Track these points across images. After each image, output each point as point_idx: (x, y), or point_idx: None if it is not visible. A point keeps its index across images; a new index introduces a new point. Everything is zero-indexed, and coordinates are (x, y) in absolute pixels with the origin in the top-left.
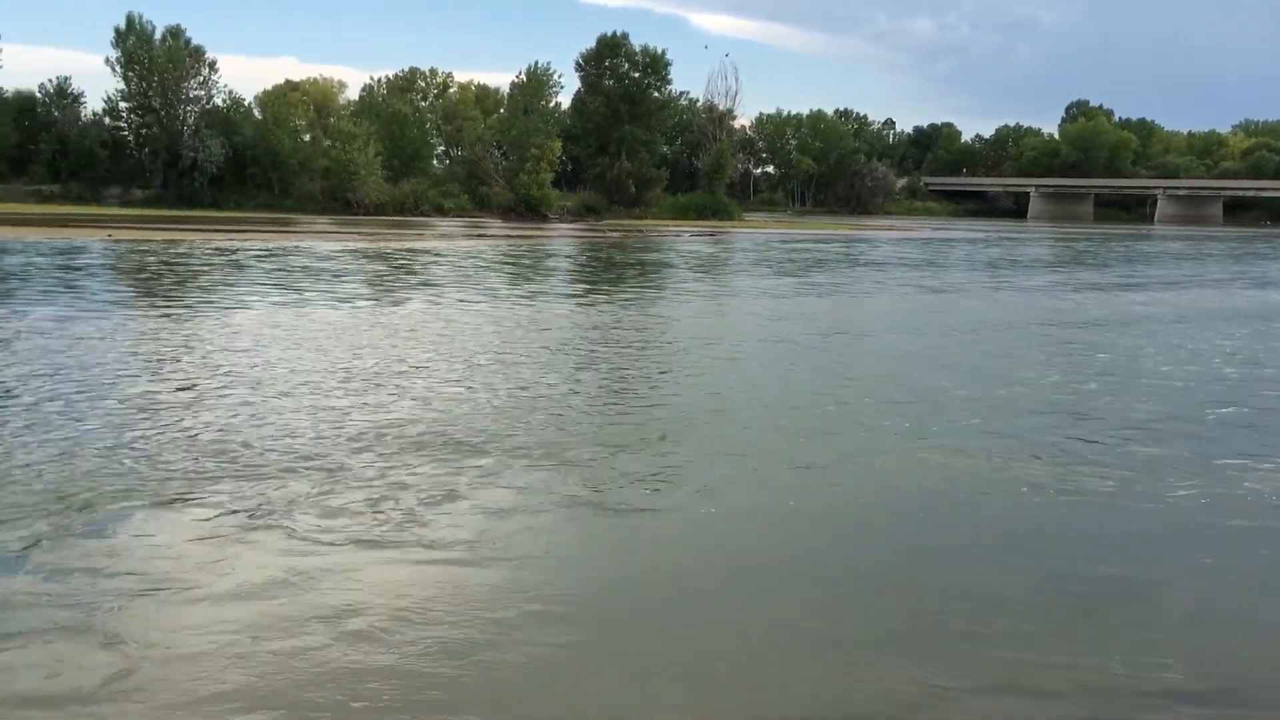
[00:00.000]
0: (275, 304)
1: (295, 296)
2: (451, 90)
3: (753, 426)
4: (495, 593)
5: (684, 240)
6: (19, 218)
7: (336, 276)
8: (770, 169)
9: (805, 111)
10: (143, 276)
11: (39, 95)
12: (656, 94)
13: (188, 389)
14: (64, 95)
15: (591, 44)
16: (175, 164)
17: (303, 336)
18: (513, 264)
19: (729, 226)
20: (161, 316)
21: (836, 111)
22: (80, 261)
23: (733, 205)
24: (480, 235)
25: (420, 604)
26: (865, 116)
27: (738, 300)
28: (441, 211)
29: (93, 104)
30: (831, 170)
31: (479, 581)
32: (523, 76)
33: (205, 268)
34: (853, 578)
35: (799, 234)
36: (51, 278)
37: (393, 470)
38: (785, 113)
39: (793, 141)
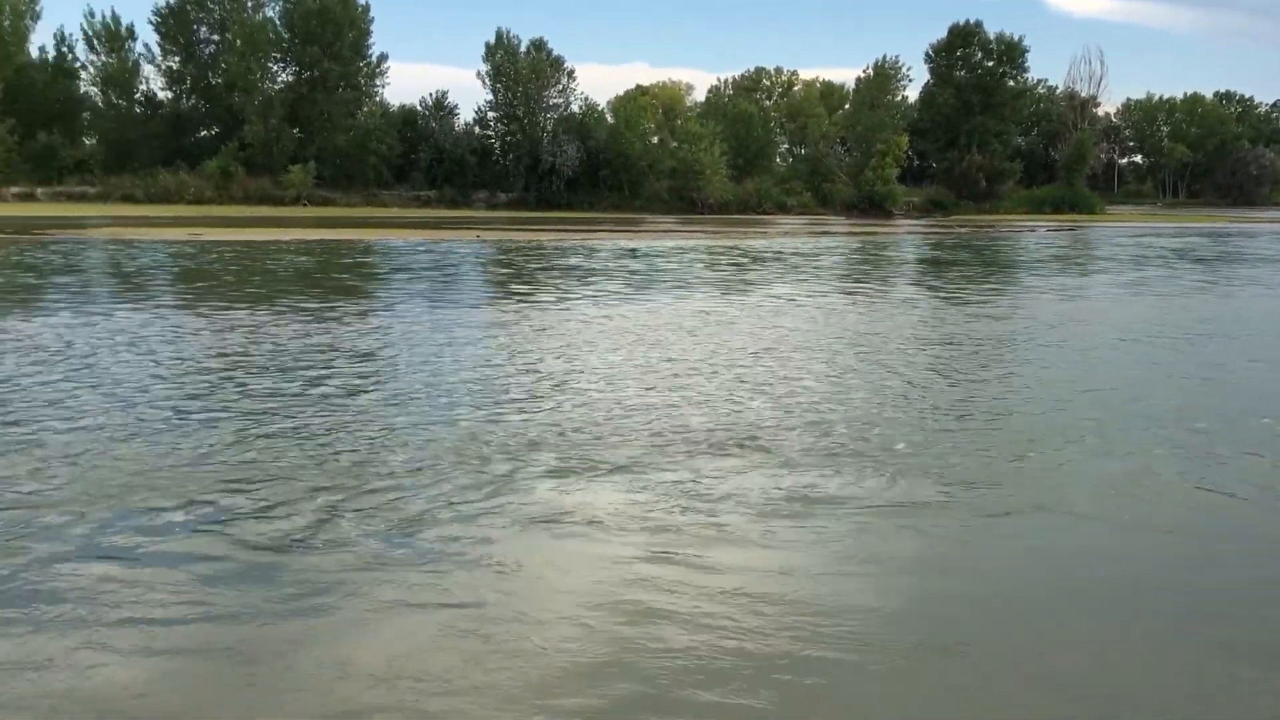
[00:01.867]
0: (629, 299)
1: (647, 292)
2: (796, 88)
3: (1118, 437)
4: (835, 596)
5: (1037, 236)
6: (402, 221)
7: (684, 272)
8: (1138, 159)
9: (1179, 95)
10: (507, 273)
11: (420, 109)
12: (1012, 83)
13: (539, 375)
14: (441, 108)
15: (942, 34)
16: (535, 168)
17: (653, 328)
18: (854, 261)
19: (1088, 220)
20: (519, 310)
21: (1216, 94)
22: (454, 260)
23: (1093, 198)
24: (824, 232)
25: (755, 603)
26: (1251, 99)
27: (1091, 299)
28: (784, 209)
29: (465, 115)
30: (1209, 158)
31: (817, 585)
32: (869, 71)
33: (561, 264)
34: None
35: (1168, 226)
36: (433, 275)
37: (744, 466)
38: (1156, 97)
39: (1164, 128)
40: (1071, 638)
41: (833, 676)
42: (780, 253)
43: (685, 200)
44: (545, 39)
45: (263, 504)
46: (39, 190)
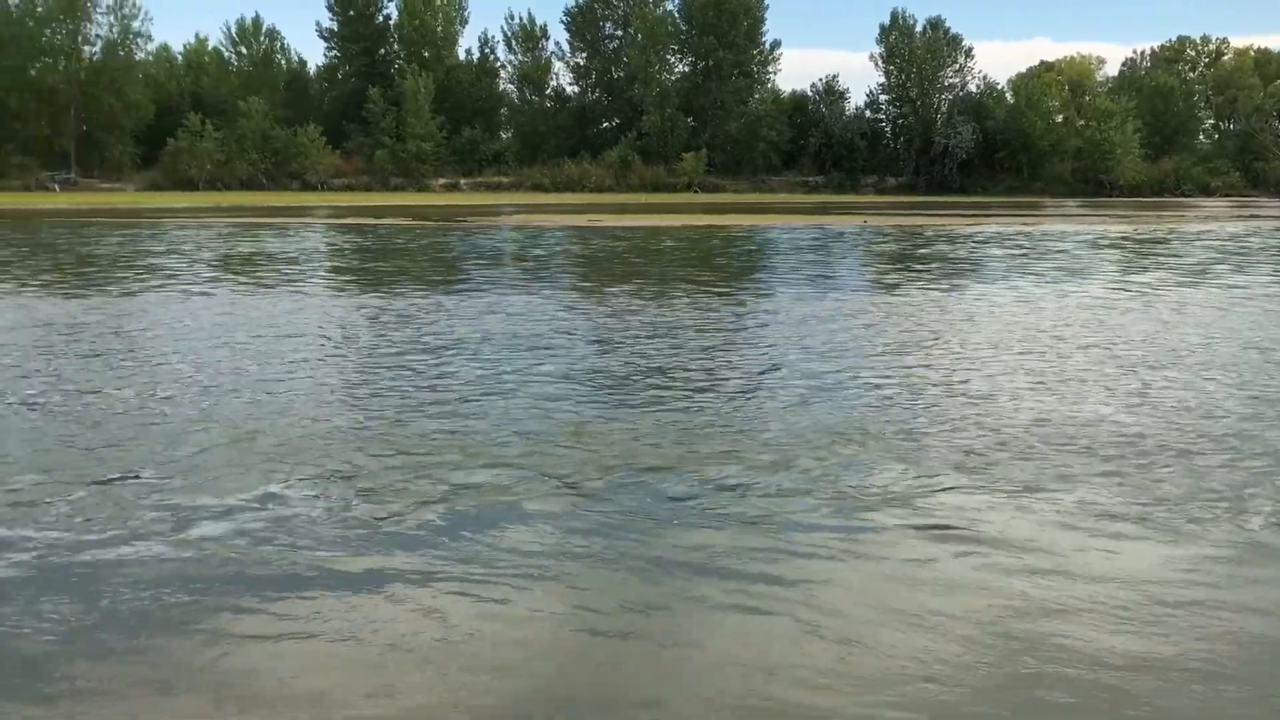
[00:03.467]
0: (1037, 287)
1: (1069, 280)
2: (1225, 57)
3: None
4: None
5: None
6: (789, 207)
7: (1088, 261)
8: None
9: None
10: (887, 260)
11: (810, 94)
12: None
13: (911, 368)
14: (831, 93)
15: None
16: (927, 151)
17: (1045, 323)
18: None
19: None
20: (897, 298)
21: None
22: (836, 246)
23: None
24: (1252, 216)
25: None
26: None
27: None
28: (1206, 191)
29: (855, 99)
30: None
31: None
32: None
33: (947, 250)
34: None
35: None
36: (814, 261)
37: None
38: None
39: None
40: None
41: None
42: (1221, 239)
43: (1091, 182)
44: (942, 17)
45: (670, 471)
46: (462, 181)
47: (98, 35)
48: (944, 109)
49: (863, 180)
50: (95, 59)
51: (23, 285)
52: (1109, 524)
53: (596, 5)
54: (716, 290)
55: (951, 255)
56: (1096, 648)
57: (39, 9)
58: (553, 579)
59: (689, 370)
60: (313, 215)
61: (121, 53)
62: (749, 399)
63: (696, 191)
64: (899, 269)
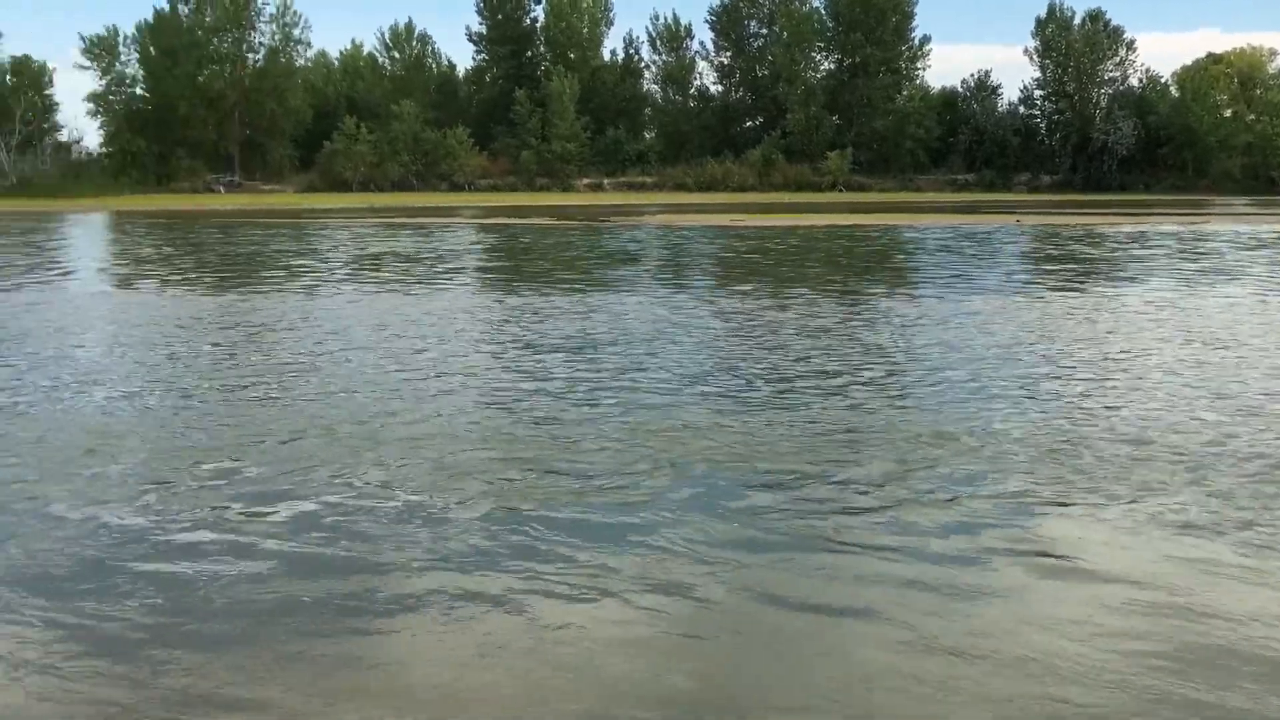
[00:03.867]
0: (1187, 291)
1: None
2: None
3: None
4: None
5: None
6: (937, 206)
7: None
8: None
9: None
10: (1042, 260)
11: (960, 90)
12: None
13: (1061, 371)
14: (983, 88)
15: None
16: (1084, 148)
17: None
18: None
19: None
20: (1054, 298)
21: None
22: (985, 245)
23: None
24: None
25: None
26: None
27: None
28: None
29: (1008, 94)
30: None
31: None
32: None
33: (1103, 250)
34: None
35: None
36: (961, 261)
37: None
38: None
39: None
40: None
41: None
42: None
43: (1262, 179)
44: (1102, 9)
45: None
46: (605, 181)
47: (261, 43)
48: (1103, 104)
49: (1015, 178)
50: (258, 66)
51: (184, 281)
52: None
53: (742, 4)
54: (864, 291)
55: (1110, 255)
56: None
57: (207, 19)
58: (673, 581)
59: (824, 371)
60: (460, 215)
61: (283, 60)
62: (885, 402)
63: (841, 191)
64: (1054, 269)
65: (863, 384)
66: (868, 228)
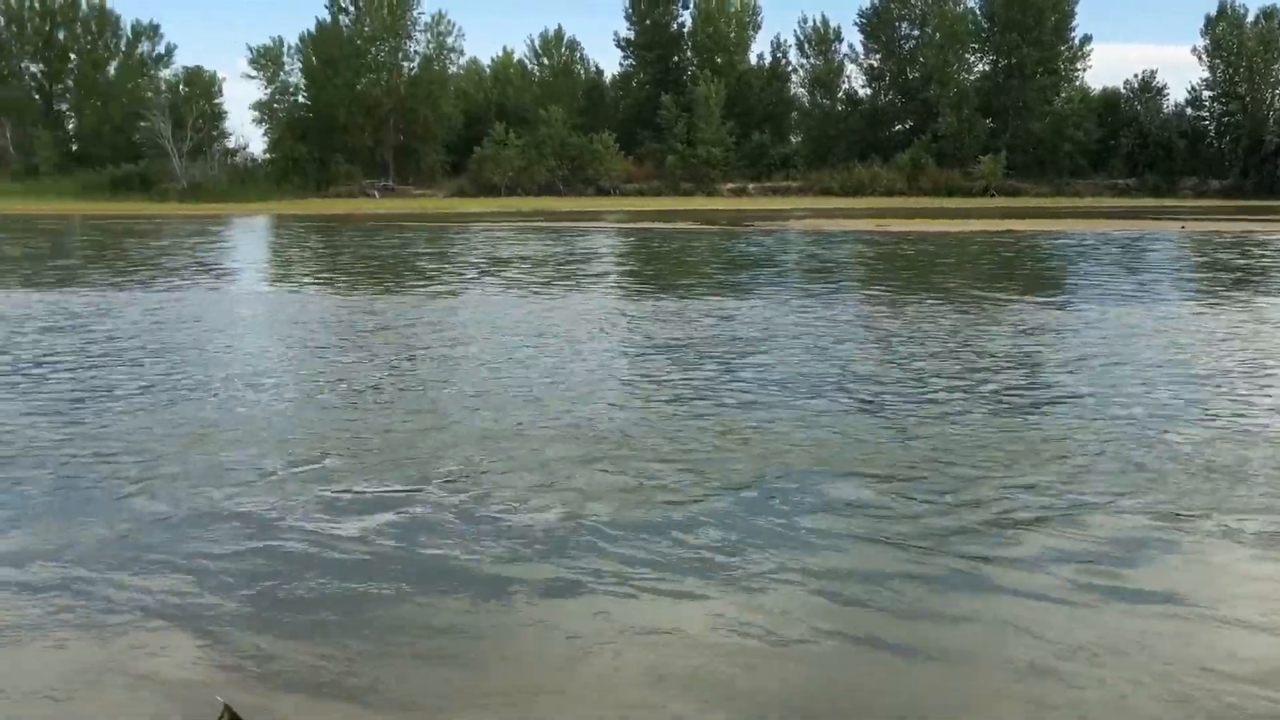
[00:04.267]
0: None
1: None
2: None
3: None
4: None
5: None
6: (1095, 211)
7: None
8: None
9: None
10: (1211, 267)
11: (1123, 91)
12: None
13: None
14: (1147, 90)
15: None
16: (1256, 151)
17: None
18: None
19: None
20: (1216, 311)
21: None
22: (1146, 252)
23: None
24: None
25: None
26: None
27: None
28: None
29: (1175, 96)
30: None
31: None
32: None
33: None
34: None
35: None
36: (1122, 270)
37: None
38: None
39: None
40: None
41: None
42: None
43: None
44: (1278, 6)
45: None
46: (750, 185)
47: (416, 52)
48: (1277, 105)
49: (1180, 183)
50: (413, 74)
51: (336, 282)
52: None
53: (893, 5)
54: (1015, 299)
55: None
56: None
57: (366, 29)
58: (811, 588)
59: (969, 380)
60: (604, 219)
61: (436, 67)
62: (1031, 413)
63: (993, 195)
64: (1222, 279)
65: (999, 392)
66: (1022, 233)
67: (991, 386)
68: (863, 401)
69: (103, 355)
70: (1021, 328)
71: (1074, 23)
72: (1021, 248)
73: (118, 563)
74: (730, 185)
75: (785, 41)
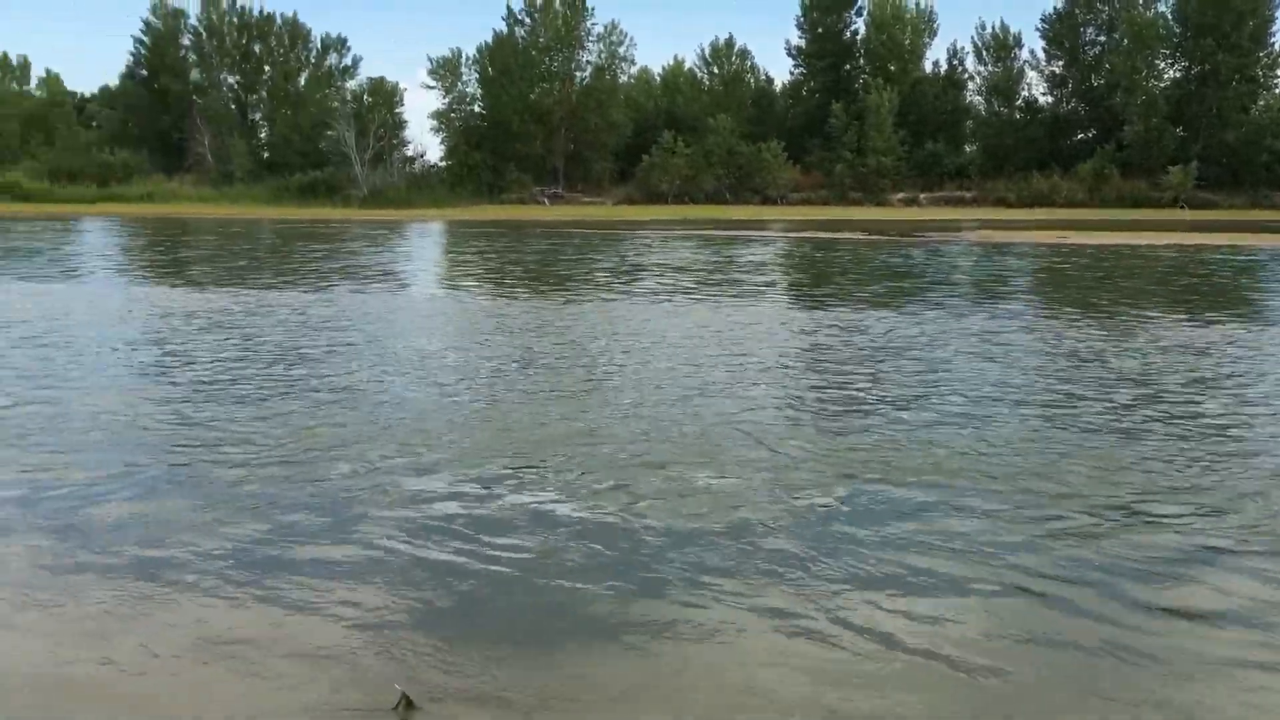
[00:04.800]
0: None
1: None
2: None
3: None
4: None
5: None
6: None
7: None
8: None
9: None
10: None
11: None
12: None
13: None
14: None
15: None
16: None
17: None
18: None
19: None
20: None
21: None
22: None
23: None
24: None
25: None
26: None
27: None
28: None
29: None
30: None
31: None
32: None
33: None
34: None
35: None
36: None
37: None
38: None
39: None
40: None
41: None
42: None
43: None
44: None
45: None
46: (921, 196)
47: (588, 61)
48: None
49: None
50: (584, 83)
51: (503, 286)
52: None
53: (1078, 10)
54: (1210, 319)
55: None
56: None
57: (540, 40)
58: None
59: (1163, 402)
60: (770, 228)
61: (607, 76)
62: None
63: (1183, 208)
64: None
65: (1191, 418)
66: (1230, 248)
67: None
68: (1059, 417)
69: (292, 350)
70: (1228, 349)
71: (1274, 28)
72: (1238, 263)
73: (309, 543)
74: (901, 195)
75: (962, 48)
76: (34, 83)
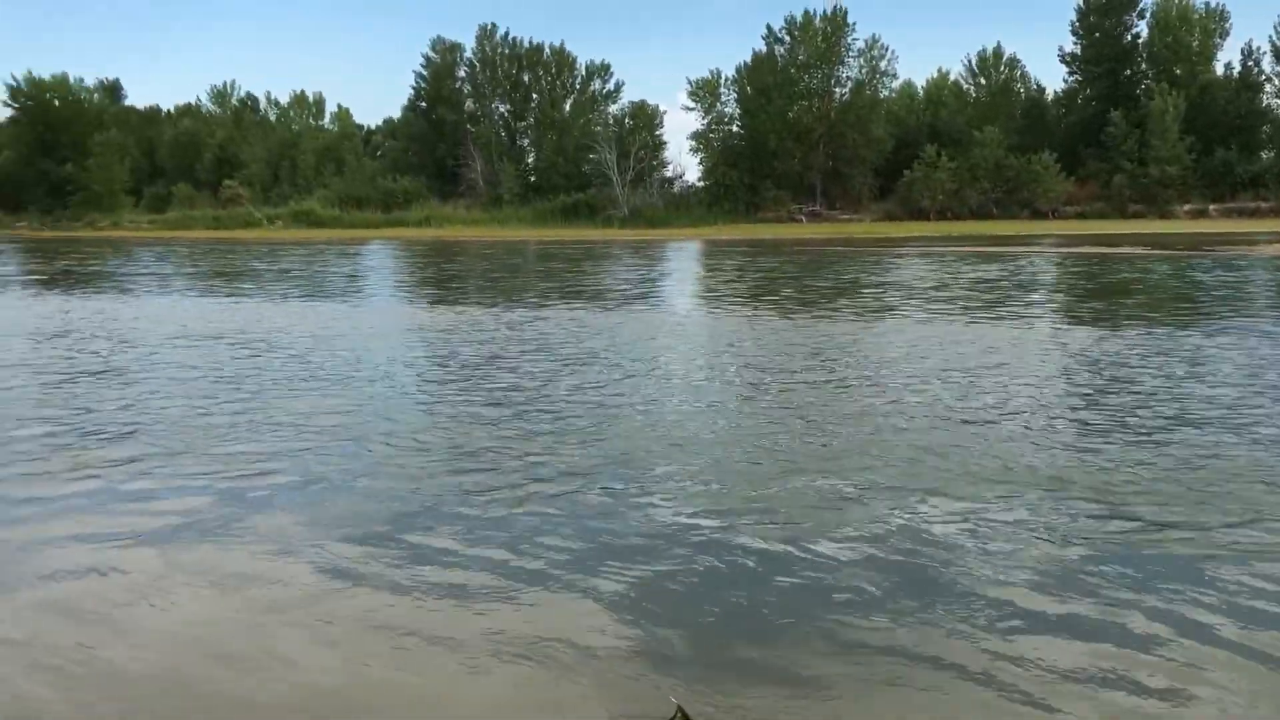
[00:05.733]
0: None
1: None
2: None
3: None
4: None
5: None
6: None
7: None
8: None
9: None
10: None
11: None
12: None
13: None
14: None
15: None
16: None
17: None
18: None
19: None
20: None
21: None
22: None
23: None
24: None
25: None
26: None
27: None
28: None
29: None
30: None
31: None
32: None
33: None
34: None
35: None
36: None
37: None
38: None
39: None
40: None
41: None
42: None
43: None
44: None
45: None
46: (1210, 207)
47: (848, 77)
48: None
49: None
50: (844, 99)
51: (761, 305)
52: None
53: None
54: None
55: None
56: None
57: (800, 58)
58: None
59: None
60: (1040, 244)
61: (868, 92)
62: None
63: None
64: None
65: None
66: None
67: None
68: None
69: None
70: None
71: None
72: None
73: (567, 547)
74: (1187, 206)
75: (1258, 48)
76: (327, 118)
